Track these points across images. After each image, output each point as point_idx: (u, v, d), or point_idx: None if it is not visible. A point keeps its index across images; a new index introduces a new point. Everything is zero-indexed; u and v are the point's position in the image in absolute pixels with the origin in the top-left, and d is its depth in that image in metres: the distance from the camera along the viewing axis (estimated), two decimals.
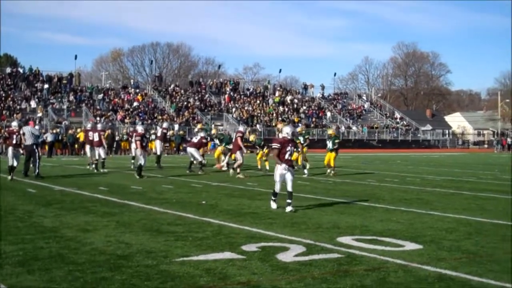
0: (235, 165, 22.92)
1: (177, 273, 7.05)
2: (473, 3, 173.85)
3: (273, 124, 65.64)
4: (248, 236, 9.61)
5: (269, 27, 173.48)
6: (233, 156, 27.19)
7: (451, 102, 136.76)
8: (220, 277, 6.92)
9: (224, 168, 26.17)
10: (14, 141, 20.50)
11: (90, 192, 16.51)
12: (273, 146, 12.94)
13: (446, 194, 17.10)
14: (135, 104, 63.80)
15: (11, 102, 56.56)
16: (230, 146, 25.92)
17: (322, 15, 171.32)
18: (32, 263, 7.54)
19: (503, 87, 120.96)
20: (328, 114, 75.29)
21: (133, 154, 30.12)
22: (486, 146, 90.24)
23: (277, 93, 77.41)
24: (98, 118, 56.97)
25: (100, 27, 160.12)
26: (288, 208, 12.68)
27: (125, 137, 48.66)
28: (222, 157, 27.03)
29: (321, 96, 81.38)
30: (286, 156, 12.96)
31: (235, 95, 73.46)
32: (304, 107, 74.64)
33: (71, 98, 61.06)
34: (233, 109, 68.36)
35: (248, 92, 76.48)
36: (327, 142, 24.53)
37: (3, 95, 57.65)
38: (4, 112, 53.93)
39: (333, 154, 23.88)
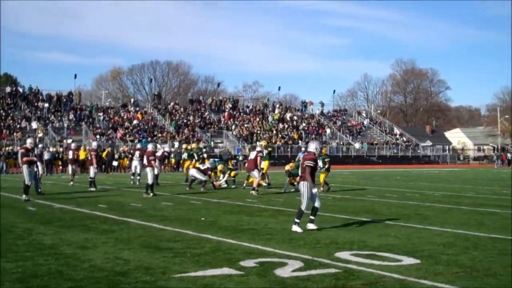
0: (254, 184, 22.79)
1: None
2: (471, 20, 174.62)
3: (273, 141, 65.77)
4: (247, 252, 9.64)
5: (268, 44, 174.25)
6: (232, 173, 27.30)
7: (451, 118, 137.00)
8: None
9: (224, 185, 26.21)
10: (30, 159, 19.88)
11: (89, 209, 16.54)
12: (308, 164, 12.47)
13: (444, 209, 17.14)
14: (135, 122, 63.94)
15: (11, 121, 56.68)
16: (230, 165, 26.13)
17: (321, 32, 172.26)
18: (31, 280, 7.57)
19: (502, 103, 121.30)
20: (328, 130, 75.42)
21: (133, 171, 30.25)
22: (486, 161, 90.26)
23: (276, 110, 77.56)
24: (97, 137, 57.11)
25: (100, 46, 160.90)
26: (311, 226, 12.39)
27: (122, 155, 48.68)
28: (221, 176, 27.05)
29: (320, 113, 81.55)
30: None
31: (235, 112, 73.63)
32: (304, 124, 74.76)
33: (71, 116, 61.18)
34: (233, 127, 68.48)
35: (247, 110, 76.65)
36: (319, 161, 24.61)
37: (3, 114, 57.81)
38: (4, 131, 54.03)
39: (324, 172, 24.06)
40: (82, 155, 43.89)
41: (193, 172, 25.24)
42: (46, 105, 61.75)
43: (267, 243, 10.65)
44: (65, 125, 59.10)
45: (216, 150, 59.84)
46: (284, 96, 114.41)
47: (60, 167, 46.17)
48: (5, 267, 8.39)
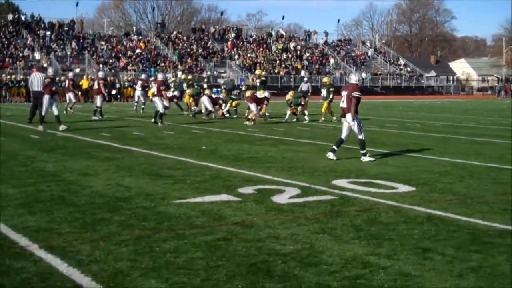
0: (250, 115, 22.81)
1: (173, 214, 7.26)
2: None
3: (276, 71, 65.52)
4: (245, 180, 9.82)
5: None
6: (234, 103, 27.37)
7: (456, 49, 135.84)
8: (215, 217, 7.14)
9: (227, 115, 26.31)
10: (54, 88, 19.65)
11: (92, 138, 16.71)
12: (356, 95, 12.41)
13: (444, 139, 17.28)
14: (138, 51, 63.61)
15: (13, 50, 56.43)
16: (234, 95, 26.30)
17: None
18: (33, 205, 7.77)
19: (508, 33, 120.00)
20: (332, 60, 74.91)
21: (136, 100, 30.38)
22: (489, 92, 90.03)
23: (280, 40, 76.95)
24: (100, 66, 56.95)
25: None
26: (367, 158, 12.38)
27: (126, 84, 48.67)
28: (223, 105, 27.11)
29: (324, 42, 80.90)
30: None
31: (238, 42, 73.08)
32: (307, 54, 74.27)
33: (74, 45, 60.86)
34: (236, 56, 68.13)
35: (251, 39, 76.07)
36: (322, 90, 24.77)
37: (6, 42, 57.49)
38: (7, 59, 53.86)
39: (326, 101, 24.11)
40: (84, 84, 43.99)
41: (204, 100, 25.22)
42: (48, 33, 61.32)
43: (266, 171, 10.83)
44: (68, 53, 58.85)
45: (219, 80, 59.76)
46: (288, 25, 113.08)
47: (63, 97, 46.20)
48: (8, 192, 8.58)
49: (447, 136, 18.30)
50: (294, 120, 24.07)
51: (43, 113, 18.91)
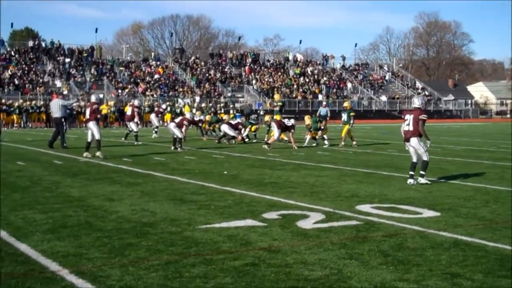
0: (270, 140, 22.85)
1: (200, 240, 7.31)
2: None
3: (293, 96, 65.68)
4: (269, 205, 9.85)
5: None
6: (253, 128, 27.50)
7: (474, 72, 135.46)
8: (242, 243, 7.17)
9: (246, 140, 26.39)
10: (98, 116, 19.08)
11: (114, 163, 16.82)
12: (423, 118, 12.63)
13: (465, 164, 17.22)
14: (156, 76, 64.06)
15: (33, 76, 57.04)
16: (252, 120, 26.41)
17: None
18: (61, 230, 7.84)
19: None
20: (349, 85, 75.01)
21: (155, 125, 30.63)
22: (508, 115, 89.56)
23: (297, 64, 77.14)
24: (119, 91, 57.39)
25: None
26: (425, 180, 12.60)
27: (147, 109, 48.93)
28: (242, 130, 27.21)
29: (341, 67, 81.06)
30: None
31: (256, 66, 73.42)
32: (325, 78, 74.42)
33: (93, 71, 61.42)
34: (254, 81, 68.39)
35: (268, 64, 76.40)
36: (342, 114, 24.82)
37: (26, 68, 58.14)
38: (27, 85, 54.42)
39: (347, 126, 24.13)
40: (104, 110, 44.36)
41: (224, 128, 25.42)
42: (68, 60, 61.94)
43: (289, 196, 10.86)
44: (87, 79, 59.38)
45: (237, 105, 60.00)
46: (305, 50, 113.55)
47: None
48: (35, 218, 8.67)
49: (469, 160, 18.25)
50: (314, 144, 24.10)
51: (98, 137, 18.19)
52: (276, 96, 31.78)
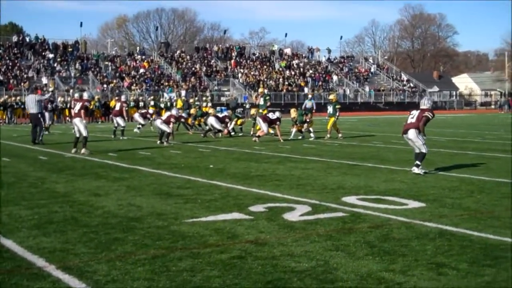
0: (259, 133, 22.84)
1: (187, 233, 7.32)
2: None
3: (280, 89, 65.72)
4: (256, 198, 9.87)
5: None
6: (239, 121, 27.52)
7: (459, 64, 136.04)
8: (229, 236, 7.19)
9: (232, 133, 26.39)
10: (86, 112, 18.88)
11: (100, 158, 16.77)
12: (427, 115, 13.02)
13: (450, 154, 17.34)
14: (142, 70, 63.86)
15: (18, 71, 56.70)
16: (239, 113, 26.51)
17: None
18: (47, 226, 7.82)
19: (510, 47, 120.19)
20: (335, 77, 75.12)
21: (139, 123, 30.39)
22: (493, 107, 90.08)
23: (283, 57, 77.15)
24: (105, 86, 57.19)
25: None
26: (419, 170, 12.77)
27: (132, 104, 48.78)
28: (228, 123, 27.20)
29: (327, 59, 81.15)
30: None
31: (241, 60, 73.36)
32: (311, 71, 74.50)
33: (78, 65, 61.14)
34: (239, 75, 68.34)
35: (254, 57, 76.36)
36: (328, 107, 24.89)
37: (10, 64, 57.78)
38: (11, 81, 54.11)
39: (333, 118, 24.18)
40: (112, 104, 44.31)
41: (211, 120, 25.35)
42: (52, 55, 61.58)
43: (276, 189, 10.89)
44: (72, 74, 59.11)
45: (223, 98, 59.96)
46: (290, 43, 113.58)
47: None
48: (21, 214, 8.64)
49: (453, 151, 18.36)
50: (300, 137, 24.14)
51: (85, 134, 18.02)
52: (260, 90, 31.82)
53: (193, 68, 67.37)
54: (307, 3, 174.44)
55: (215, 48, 76.28)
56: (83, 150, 17.78)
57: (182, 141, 23.21)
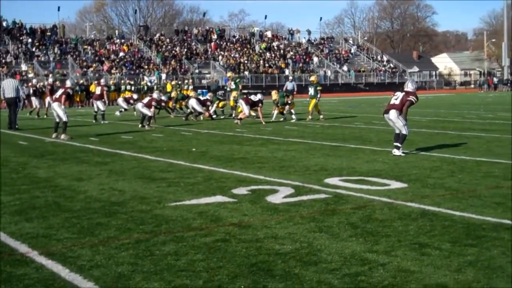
0: (241, 115, 22.79)
1: (170, 217, 7.30)
2: None
3: (260, 71, 65.62)
4: (239, 180, 9.87)
5: None
6: (220, 104, 27.47)
7: (438, 43, 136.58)
8: (212, 219, 7.18)
9: (214, 116, 26.36)
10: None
11: (81, 142, 16.68)
12: (411, 99, 12.96)
13: (431, 134, 17.43)
14: (121, 54, 63.45)
15: None
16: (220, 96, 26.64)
17: None
18: (29, 211, 7.78)
19: (489, 27, 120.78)
20: (315, 59, 75.12)
21: (122, 107, 30.18)
22: (472, 86, 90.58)
23: (263, 39, 76.98)
24: (84, 69, 56.78)
25: None
26: (398, 152, 12.73)
27: (112, 88, 48.40)
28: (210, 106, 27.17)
29: (307, 41, 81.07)
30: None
31: (222, 42, 73.10)
32: (291, 53, 74.42)
33: (56, 50, 60.62)
34: (220, 57, 68.12)
35: (234, 40, 76.10)
36: (309, 88, 24.87)
37: None
38: None
39: (314, 100, 24.18)
40: (93, 88, 44.03)
41: (192, 102, 25.30)
42: (30, 40, 60.95)
43: (258, 171, 10.89)
44: (51, 59, 58.59)
45: (204, 81, 59.77)
46: (270, 25, 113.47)
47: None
48: (2, 200, 8.57)
49: (434, 131, 18.46)
50: (281, 119, 24.15)
51: (65, 119, 17.86)
52: (228, 74, 31.86)
53: (173, 51, 67.05)
54: None
55: (195, 30, 75.93)
56: (62, 136, 17.65)
57: (163, 124, 23.15)
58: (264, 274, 5.17)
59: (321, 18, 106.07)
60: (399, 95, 13.12)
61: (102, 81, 29.63)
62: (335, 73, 72.05)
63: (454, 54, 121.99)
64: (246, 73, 64.16)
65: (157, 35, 74.21)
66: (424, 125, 20.64)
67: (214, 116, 26.30)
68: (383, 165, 11.43)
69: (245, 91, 33.56)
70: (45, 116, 29.19)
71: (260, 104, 22.87)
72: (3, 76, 50.33)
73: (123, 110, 28.90)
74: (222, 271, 5.26)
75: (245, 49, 72.52)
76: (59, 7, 71.32)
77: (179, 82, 42.93)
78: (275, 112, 24.60)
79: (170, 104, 28.89)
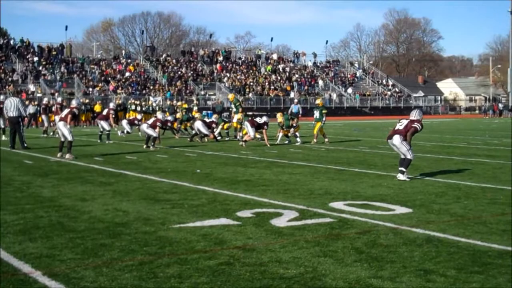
0: (246, 138, 22.81)
1: (174, 239, 7.28)
2: None
3: (265, 93, 65.73)
4: (243, 203, 9.85)
5: None
6: (225, 126, 27.47)
7: (443, 69, 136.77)
8: (216, 242, 7.16)
9: (219, 138, 26.36)
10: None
11: (86, 162, 16.68)
12: (416, 126, 13.02)
13: (436, 160, 17.39)
14: (127, 74, 63.67)
15: (2, 75, 56.31)
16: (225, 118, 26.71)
17: None
18: (33, 231, 7.76)
19: (494, 52, 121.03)
20: (320, 82, 75.27)
21: (126, 130, 30.09)
22: (477, 111, 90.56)
23: (269, 61, 77.20)
24: (90, 89, 56.95)
25: None
26: (404, 177, 12.72)
27: (119, 108, 48.48)
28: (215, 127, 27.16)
29: (313, 64, 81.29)
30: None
31: (227, 64, 73.34)
32: (297, 76, 74.58)
33: (63, 69, 60.86)
34: (225, 79, 68.29)
35: (240, 61, 76.35)
36: (315, 111, 24.91)
37: None
38: None
39: (319, 123, 24.20)
40: (97, 108, 44.33)
41: (198, 124, 25.40)
42: (36, 58, 61.19)
43: (263, 194, 10.86)
44: (57, 77, 58.80)
45: (209, 103, 59.88)
46: (276, 47, 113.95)
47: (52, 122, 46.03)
48: (6, 219, 8.55)
49: (440, 156, 18.42)
50: (286, 142, 24.15)
51: (70, 139, 17.69)
52: (230, 96, 31.66)
53: (179, 72, 67.26)
54: (293, 7, 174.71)
55: (201, 52, 76.21)
56: (67, 155, 17.65)
57: (168, 145, 23.16)
58: None
59: (327, 41, 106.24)
60: (404, 122, 13.20)
61: (111, 104, 29.34)
62: (340, 96, 72.11)
63: (460, 79, 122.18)
64: (251, 95, 64.26)
65: (163, 55, 74.50)
66: (429, 150, 20.61)
67: (219, 138, 26.30)
68: (388, 190, 11.40)
69: (250, 113, 33.66)
70: (51, 134, 29.29)
71: (265, 127, 22.90)
72: (9, 95, 50.56)
73: (125, 132, 28.86)
74: None
75: (251, 71, 72.71)
76: (66, 27, 71.67)
77: (192, 106, 42.86)
78: (280, 134, 24.59)
79: (175, 125, 28.91)
